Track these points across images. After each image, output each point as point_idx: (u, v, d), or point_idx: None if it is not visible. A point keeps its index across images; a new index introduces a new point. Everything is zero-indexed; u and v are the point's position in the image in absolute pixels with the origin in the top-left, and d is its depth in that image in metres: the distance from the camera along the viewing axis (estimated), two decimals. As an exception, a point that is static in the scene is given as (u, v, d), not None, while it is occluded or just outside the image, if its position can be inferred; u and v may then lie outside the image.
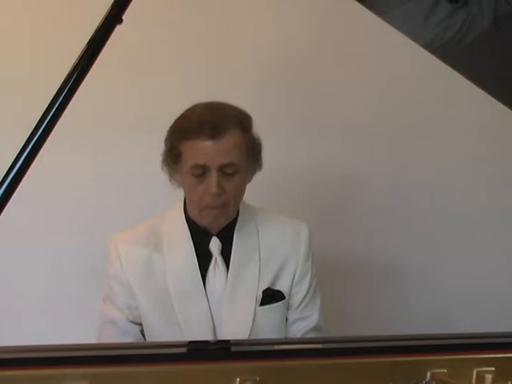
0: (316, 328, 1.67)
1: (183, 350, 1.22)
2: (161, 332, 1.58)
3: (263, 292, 1.61)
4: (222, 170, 1.51)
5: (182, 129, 1.53)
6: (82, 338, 1.19)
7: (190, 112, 1.56)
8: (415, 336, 1.32)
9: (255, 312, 1.59)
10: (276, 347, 1.28)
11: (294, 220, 1.70)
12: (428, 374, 1.16)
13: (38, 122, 1.15)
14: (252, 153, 1.57)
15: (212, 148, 1.49)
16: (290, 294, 1.64)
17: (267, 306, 1.60)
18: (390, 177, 2.40)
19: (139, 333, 1.61)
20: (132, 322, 1.60)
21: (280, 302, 1.62)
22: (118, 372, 1.08)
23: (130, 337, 1.59)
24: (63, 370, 1.06)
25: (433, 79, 2.29)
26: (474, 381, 1.17)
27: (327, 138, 2.33)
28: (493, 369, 1.17)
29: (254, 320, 1.59)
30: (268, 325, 1.60)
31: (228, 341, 1.29)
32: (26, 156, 1.14)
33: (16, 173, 1.13)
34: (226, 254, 1.60)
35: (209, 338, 1.56)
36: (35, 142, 1.14)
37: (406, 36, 1.40)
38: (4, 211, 1.13)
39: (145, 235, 1.62)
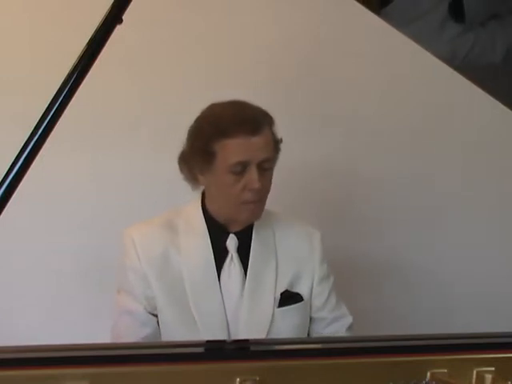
0: (351, 327, 1.71)
1: (183, 350, 1.21)
2: (175, 326, 1.59)
3: (281, 294, 1.63)
4: (261, 165, 1.55)
5: (218, 127, 1.53)
6: (82, 338, 1.19)
7: (217, 111, 1.57)
8: (415, 336, 1.32)
9: (273, 313, 1.61)
10: (276, 347, 1.28)
11: (306, 225, 1.74)
12: (428, 374, 1.16)
13: (37, 122, 1.15)
14: (277, 148, 1.62)
15: (254, 144, 1.53)
16: (311, 297, 1.67)
17: (285, 308, 1.63)
18: (390, 176, 2.40)
19: (157, 324, 1.61)
20: (150, 313, 1.60)
21: (298, 304, 1.64)
22: (117, 372, 1.08)
23: (147, 328, 1.59)
24: (63, 370, 1.05)
25: (433, 79, 2.29)
26: (473, 381, 1.17)
27: (327, 138, 2.33)
28: (493, 369, 1.17)
29: (272, 321, 1.61)
30: (285, 326, 1.62)
31: (225, 341, 1.29)
32: (26, 156, 1.14)
33: (16, 173, 1.13)
34: (241, 253, 1.62)
35: (222, 332, 1.58)
36: (35, 141, 1.14)
37: (405, 36, 1.41)
38: (4, 211, 1.13)
39: (160, 228, 1.63)
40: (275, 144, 1.61)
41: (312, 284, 1.67)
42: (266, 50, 2.24)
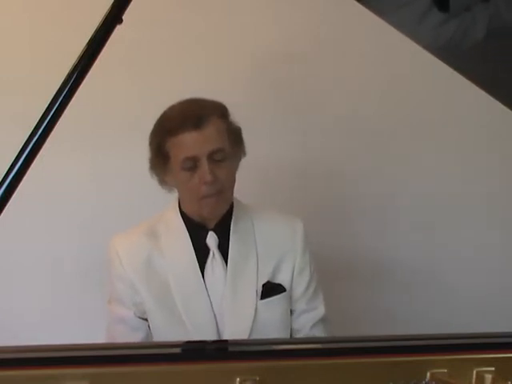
0: (323, 319, 1.70)
1: (183, 349, 1.21)
2: (165, 327, 1.60)
3: (263, 286, 1.63)
4: (211, 157, 1.54)
5: (165, 127, 1.57)
6: (82, 338, 1.19)
7: (169, 111, 1.61)
8: (415, 336, 1.32)
9: (257, 305, 1.62)
10: (276, 347, 1.28)
11: (288, 215, 1.73)
12: (428, 374, 1.16)
13: (37, 122, 1.15)
14: (234, 138, 1.61)
15: (198, 138, 1.53)
16: (291, 287, 1.67)
17: (268, 299, 1.63)
18: (390, 176, 2.40)
19: (148, 328, 1.63)
20: (140, 317, 1.62)
21: (281, 295, 1.65)
22: (118, 372, 1.08)
23: (140, 332, 1.62)
24: (63, 370, 1.06)
25: (433, 79, 2.29)
26: (473, 381, 1.17)
27: (327, 138, 2.33)
28: (493, 369, 1.17)
29: (255, 313, 1.61)
30: (270, 318, 1.62)
31: (226, 341, 1.29)
32: (26, 156, 1.14)
33: (16, 173, 1.13)
34: (222, 249, 1.63)
35: (211, 329, 1.59)
36: (35, 141, 1.14)
37: (405, 36, 1.41)
38: (4, 211, 1.13)
39: (142, 235, 1.65)
40: (230, 134, 1.60)
41: (292, 274, 1.66)
42: (266, 50, 2.24)
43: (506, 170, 2.46)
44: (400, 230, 2.42)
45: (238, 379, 1.10)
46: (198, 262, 1.62)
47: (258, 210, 1.71)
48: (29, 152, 1.14)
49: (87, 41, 1.18)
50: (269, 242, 1.66)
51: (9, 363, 1.06)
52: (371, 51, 2.31)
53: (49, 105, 1.15)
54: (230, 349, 1.22)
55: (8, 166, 1.14)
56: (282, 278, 1.65)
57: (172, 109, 1.61)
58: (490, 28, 1.35)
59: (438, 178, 2.44)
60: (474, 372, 1.17)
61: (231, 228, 1.64)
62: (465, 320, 2.28)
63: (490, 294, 2.45)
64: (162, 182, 1.64)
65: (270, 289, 1.64)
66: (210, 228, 1.63)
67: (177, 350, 1.20)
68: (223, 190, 1.58)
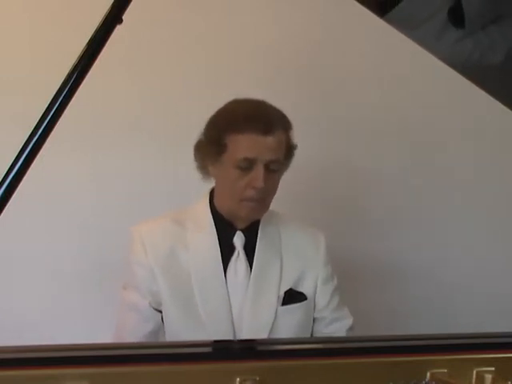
0: (352, 328, 1.73)
1: (183, 350, 1.22)
2: (180, 321, 1.60)
3: (285, 292, 1.65)
4: (268, 165, 1.56)
5: (231, 121, 1.56)
6: (82, 338, 1.19)
7: (236, 106, 1.59)
8: (415, 336, 1.32)
9: (277, 310, 1.63)
10: (276, 347, 1.28)
11: (310, 226, 1.77)
12: (428, 374, 1.16)
13: (37, 122, 1.15)
14: (289, 152, 1.63)
15: (264, 143, 1.54)
16: (315, 297, 1.69)
17: (288, 306, 1.64)
18: (390, 176, 2.40)
19: (160, 320, 1.62)
20: (154, 308, 1.62)
21: (302, 303, 1.66)
22: (118, 372, 1.08)
23: (150, 323, 1.61)
24: (63, 370, 1.05)
25: (433, 79, 2.29)
26: (473, 381, 1.17)
27: (326, 138, 2.33)
28: (493, 369, 1.17)
29: (275, 318, 1.62)
30: (288, 324, 1.63)
31: (229, 341, 1.29)
32: (26, 156, 1.14)
33: (16, 173, 1.13)
34: (247, 250, 1.64)
35: (228, 328, 1.59)
36: (35, 141, 1.14)
37: (406, 36, 1.41)
38: (4, 211, 1.13)
39: (168, 225, 1.65)
40: (288, 148, 1.62)
41: (316, 284, 1.69)
42: (266, 50, 2.24)
43: (506, 170, 2.46)
44: (400, 231, 2.43)
45: (238, 379, 1.09)
46: (222, 260, 1.62)
47: (285, 219, 1.73)
48: (29, 152, 1.14)
49: (87, 41, 1.18)
50: (294, 250, 1.69)
51: (9, 363, 1.05)
52: (371, 51, 2.31)
53: (49, 105, 1.15)
54: (230, 349, 1.22)
55: (8, 166, 1.14)
56: (305, 287, 1.67)
57: (240, 105, 1.59)
58: (509, 48, 1.35)
59: (437, 178, 2.44)
60: (474, 372, 1.17)
61: (259, 232, 1.66)
62: (465, 320, 2.29)
63: (491, 294, 2.45)
64: (204, 169, 1.63)
65: (292, 296, 1.65)
66: (238, 228, 1.64)
67: (177, 350, 1.20)
68: (266, 198, 1.60)
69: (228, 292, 1.61)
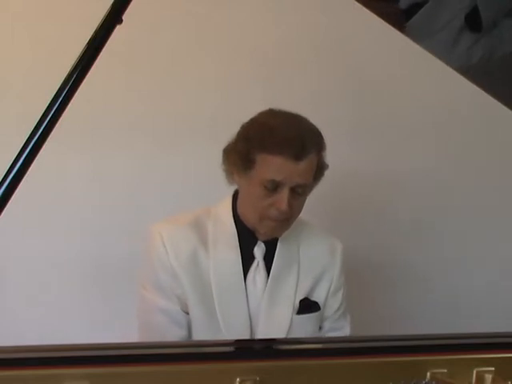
0: None
1: (183, 350, 1.22)
2: (200, 326, 1.58)
3: (300, 301, 1.64)
4: (294, 189, 1.52)
5: (263, 139, 1.50)
6: (82, 338, 1.19)
7: (271, 122, 1.53)
8: (415, 336, 1.32)
9: (292, 320, 1.62)
10: (276, 347, 1.28)
11: (330, 234, 1.75)
12: (428, 374, 1.16)
13: (37, 122, 1.15)
14: (319, 173, 1.59)
15: (293, 169, 1.50)
16: (324, 306, 1.68)
17: (304, 316, 1.64)
18: (390, 177, 2.40)
19: (190, 323, 1.59)
20: (184, 311, 1.58)
21: (316, 313, 1.66)
22: (118, 372, 1.08)
23: (183, 329, 1.57)
24: (63, 370, 1.05)
25: (433, 79, 2.29)
26: (473, 381, 1.17)
27: (326, 139, 2.33)
28: (493, 369, 1.17)
29: (289, 327, 1.61)
30: (302, 333, 1.62)
31: (229, 341, 1.29)
32: (26, 156, 1.14)
33: (16, 173, 1.13)
34: (267, 260, 1.62)
35: (246, 336, 1.58)
36: (35, 141, 1.14)
37: (406, 37, 1.41)
38: (4, 211, 1.13)
39: (189, 227, 1.60)
40: (318, 170, 1.58)
41: (327, 294, 1.68)
42: (266, 50, 2.24)
43: (506, 170, 2.46)
44: (400, 231, 2.43)
45: (238, 379, 1.09)
46: (242, 268, 1.60)
47: (304, 225, 1.70)
48: (29, 152, 1.14)
49: (87, 41, 1.18)
50: (311, 258, 1.67)
51: (9, 363, 1.05)
52: (371, 51, 2.31)
53: (49, 105, 1.15)
54: (230, 349, 1.22)
55: (8, 166, 1.14)
56: (318, 296, 1.67)
57: (276, 121, 1.53)
58: None
59: (438, 178, 2.44)
60: (474, 372, 1.17)
61: (278, 243, 1.64)
62: (465, 320, 2.29)
63: (491, 294, 2.45)
64: (230, 175, 1.59)
65: (307, 306, 1.65)
66: (259, 239, 1.62)
67: (177, 350, 1.20)
68: (288, 219, 1.57)
69: (248, 301, 1.59)
